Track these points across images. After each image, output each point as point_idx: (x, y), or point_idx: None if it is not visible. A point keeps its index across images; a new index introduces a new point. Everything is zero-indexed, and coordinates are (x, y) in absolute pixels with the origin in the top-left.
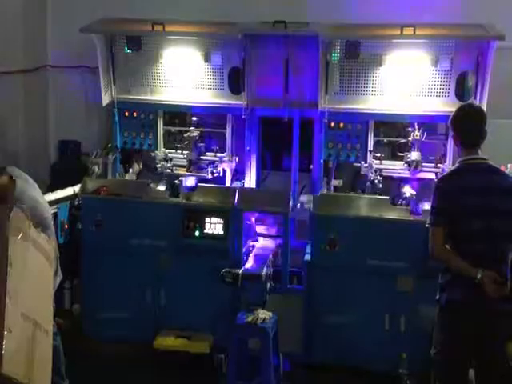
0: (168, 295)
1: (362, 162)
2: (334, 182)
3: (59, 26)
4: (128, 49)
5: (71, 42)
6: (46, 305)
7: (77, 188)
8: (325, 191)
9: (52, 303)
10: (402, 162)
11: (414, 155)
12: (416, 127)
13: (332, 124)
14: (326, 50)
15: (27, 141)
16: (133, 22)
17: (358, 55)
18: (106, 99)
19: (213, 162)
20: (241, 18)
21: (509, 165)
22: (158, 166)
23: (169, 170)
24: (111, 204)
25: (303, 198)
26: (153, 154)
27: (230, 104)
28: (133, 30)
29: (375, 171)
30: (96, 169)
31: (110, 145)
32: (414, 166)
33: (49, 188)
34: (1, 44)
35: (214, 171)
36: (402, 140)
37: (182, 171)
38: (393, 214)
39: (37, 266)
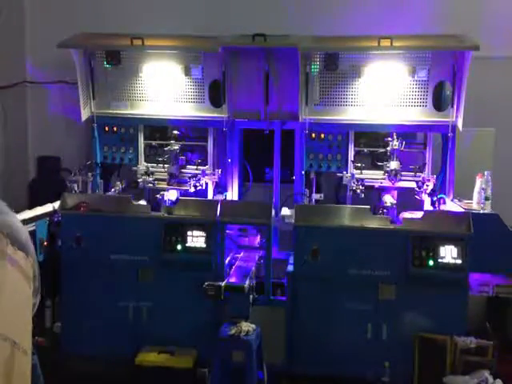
0: (150, 310)
1: (344, 172)
2: (316, 196)
3: (37, 41)
4: (107, 63)
5: (50, 58)
6: (25, 324)
7: (56, 204)
8: (306, 202)
9: (31, 322)
10: (382, 172)
11: (393, 164)
12: (394, 137)
13: (313, 135)
14: (305, 62)
15: (6, 157)
16: (112, 36)
17: (337, 67)
18: (85, 114)
19: (195, 176)
20: (221, 31)
21: (486, 172)
22: (139, 180)
23: (150, 185)
24: (91, 220)
25: (284, 211)
26: (134, 169)
27: (210, 117)
28: (112, 44)
29: (357, 181)
30: (75, 187)
31: (89, 162)
32: (394, 175)
33: (28, 205)
34: None
35: (197, 184)
36: (381, 150)
37: (164, 185)
38: (373, 223)
39: (14, 284)
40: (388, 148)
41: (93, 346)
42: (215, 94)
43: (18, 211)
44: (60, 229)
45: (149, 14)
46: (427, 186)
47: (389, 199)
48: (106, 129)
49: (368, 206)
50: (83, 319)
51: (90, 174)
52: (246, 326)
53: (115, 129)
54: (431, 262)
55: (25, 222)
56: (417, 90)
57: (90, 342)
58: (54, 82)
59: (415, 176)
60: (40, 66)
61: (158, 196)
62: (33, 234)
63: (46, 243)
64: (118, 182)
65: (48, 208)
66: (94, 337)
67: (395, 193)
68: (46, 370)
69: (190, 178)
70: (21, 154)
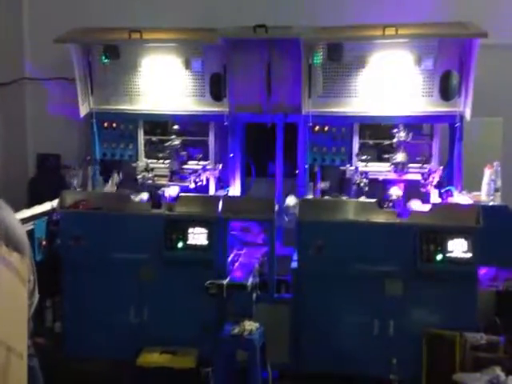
0: (151, 309)
1: (348, 166)
2: (321, 185)
3: (36, 37)
4: (105, 58)
5: (49, 54)
6: (20, 328)
7: (55, 203)
8: (311, 196)
9: (27, 325)
10: (388, 164)
11: (400, 156)
12: (401, 128)
13: (316, 128)
14: (308, 53)
15: (5, 155)
16: (110, 30)
17: (341, 57)
18: (83, 110)
19: (195, 171)
20: (221, 23)
21: (495, 163)
22: (139, 176)
23: (150, 181)
24: (90, 218)
25: (290, 200)
26: (134, 165)
27: (211, 111)
28: (109, 38)
29: (361, 174)
30: (75, 182)
31: (89, 157)
32: (400, 168)
33: (28, 203)
34: None
35: (197, 180)
36: (387, 142)
37: (164, 181)
38: (380, 218)
39: (9, 286)
40: (394, 140)
41: (94, 346)
42: (216, 87)
43: (17, 209)
44: (59, 227)
45: (147, 7)
46: (433, 177)
47: (395, 192)
48: (106, 125)
49: (374, 200)
50: (84, 319)
51: (90, 168)
52: (249, 325)
53: (114, 125)
54: (439, 257)
55: (23, 221)
56: (423, 79)
57: (91, 342)
58: (53, 79)
59: (422, 168)
60: (39, 63)
61: (159, 192)
62: (31, 233)
63: (44, 243)
64: (116, 175)
65: (47, 206)
66: (95, 337)
67: (401, 185)
68: (47, 371)
69: (190, 173)
70: (20, 152)
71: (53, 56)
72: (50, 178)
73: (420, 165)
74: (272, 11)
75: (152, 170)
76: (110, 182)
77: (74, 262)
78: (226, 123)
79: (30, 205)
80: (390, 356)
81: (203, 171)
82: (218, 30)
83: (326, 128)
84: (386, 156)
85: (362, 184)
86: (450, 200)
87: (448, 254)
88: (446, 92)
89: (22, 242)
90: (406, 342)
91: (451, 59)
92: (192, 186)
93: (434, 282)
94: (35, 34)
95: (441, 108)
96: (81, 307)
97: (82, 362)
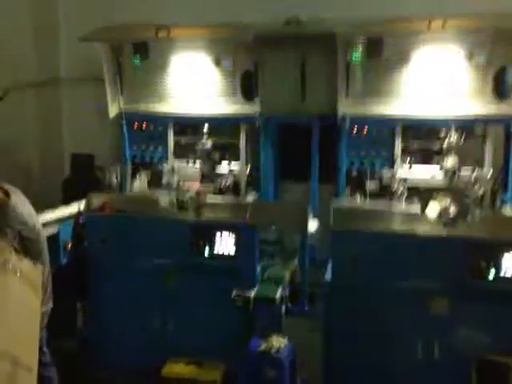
0: (177, 319)
1: (384, 171)
2: (370, 185)
3: (71, 37)
4: (136, 59)
5: (84, 54)
6: (30, 338)
7: (82, 205)
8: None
9: (38, 336)
10: (436, 169)
11: (451, 161)
12: (453, 131)
13: (354, 130)
14: (345, 49)
15: (40, 155)
16: (138, 27)
17: (382, 54)
18: (113, 111)
19: (225, 175)
20: (250, 17)
21: None
22: (163, 179)
23: (175, 183)
24: (116, 221)
25: (311, 226)
26: (159, 167)
27: (243, 111)
28: (136, 37)
29: (399, 180)
30: (114, 179)
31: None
32: (452, 173)
33: (62, 202)
34: (13, 58)
35: (223, 183)
36: (436, 145)
37: (192, 184)
38: (423, 228)
39: (18, 296)
40: (444, 144)
41: (118, 354)
42: (247, 85)
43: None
44: (85, 230)
45: (173, 2)
46: (478, 184)
47: (442, 201)
48: (136, 126)
49: (417, 209)
50: (108, 326)
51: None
52: (277, 342)
53: (144, 126)
54: (492, 273)
55: (49, 223)
56: (474, 76)
57: (115, 349)
58: (88, 79)
59: (472, 173)
60: (74, 63)
61: (186, 196)
62: (56, 236)
63: (70, 245)
64: (143, 177)
65: (74, 209)
66: (119, 344)
67: (450, 193)
68: (69, 379)
69: (219, 176)
70: (56, 152)
71: (88, 56)
72: (84, 178)
73: (471, 170)
74: (301, 2)
75: (177, 172)
76: (135, 184)
77: (99, 266)
78: (257, 124)
79: (64, 204)
80: (434, 382)
81: (232, 174)
82: (248, 25)
83: (365, 130)
84: (435, 161)
85: (399, 191)
86: (504, 210)
87: (501, 271)
88: (502, 90)
89: (36, 240)
90: (453, 367)
91: (506, 53)
92: (219, 190)
93: (484, 301)
94: (70, 34)
95: (495, 108)
96: (105, 314)
97: (106, 370)
